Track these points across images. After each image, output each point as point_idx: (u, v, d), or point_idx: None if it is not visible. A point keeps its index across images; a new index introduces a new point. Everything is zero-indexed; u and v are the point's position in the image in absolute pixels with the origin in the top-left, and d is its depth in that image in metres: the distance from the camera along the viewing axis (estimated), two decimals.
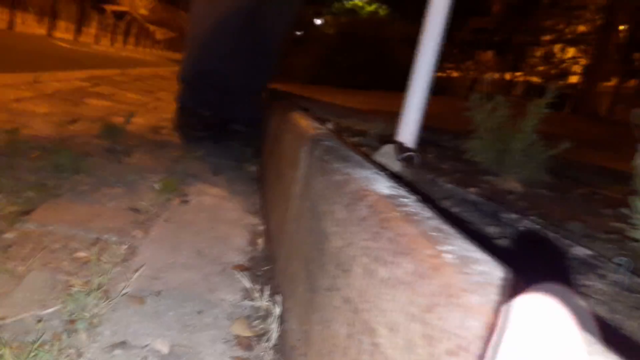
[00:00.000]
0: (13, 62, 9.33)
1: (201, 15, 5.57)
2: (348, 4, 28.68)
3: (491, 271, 0.78)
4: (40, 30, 21.29)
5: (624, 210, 2.52)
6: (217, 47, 5.50)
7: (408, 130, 5.16)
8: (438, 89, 5.29)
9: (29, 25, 22.74)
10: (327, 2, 29.27)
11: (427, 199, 1.44)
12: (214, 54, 5.53)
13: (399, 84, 5.41)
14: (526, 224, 2.45)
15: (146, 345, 1.89)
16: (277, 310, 2.13)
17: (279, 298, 2.21)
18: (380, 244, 1.07)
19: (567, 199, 4.04)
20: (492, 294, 0.70)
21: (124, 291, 2.21)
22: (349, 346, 1.11)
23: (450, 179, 3.24)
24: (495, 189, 3.46)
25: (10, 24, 17.32)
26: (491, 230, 2.47)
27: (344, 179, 1.59)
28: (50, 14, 21.13)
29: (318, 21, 30.18)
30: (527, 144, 4.89)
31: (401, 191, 1.40)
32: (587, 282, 1.84)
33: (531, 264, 2.14)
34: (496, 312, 0.64)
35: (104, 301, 2.09)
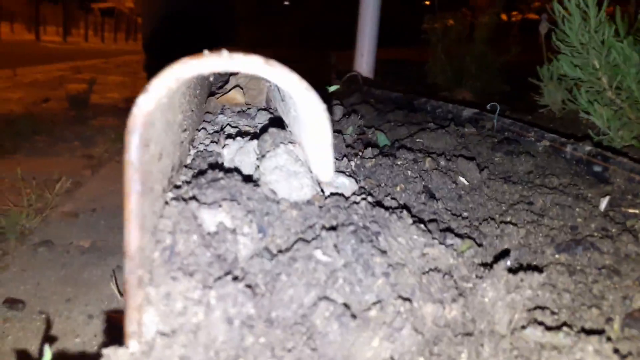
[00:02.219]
0: None
1: None
2: None
3: None
4: (29, 36, 21.70)
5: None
6: (170, 13, 5.67)
7: (364, 61, 5.28)
8: None
9: (18, 33, 23.08)
10: None
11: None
12: (168, 20, 5.70)
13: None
14: (437, 104, 2.57)
15: (70, 244, 2.10)
16: None
17: None
18: None
19: (508, 100, 4.12)
20: None
21: (58, 210, 2.41)
22: None
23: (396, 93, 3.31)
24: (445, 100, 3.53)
25: None
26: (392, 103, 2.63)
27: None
28: (37, 20, 21.45)
29: None
30: (479, 54, 4.97)
31: None
32: (465, 130, 1.98)
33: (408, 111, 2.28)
34: None
35: (38, 218, 2.29)
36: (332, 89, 1.17)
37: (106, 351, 0.61)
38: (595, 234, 1.19)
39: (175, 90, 0.64)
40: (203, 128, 1.34)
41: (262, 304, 0.74)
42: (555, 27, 2.39)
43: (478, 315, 0.87)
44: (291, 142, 0.96)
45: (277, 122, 1.24)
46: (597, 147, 1.64)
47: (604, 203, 1.36)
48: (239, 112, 1.53)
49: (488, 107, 2.08)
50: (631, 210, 1.35)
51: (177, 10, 5.73)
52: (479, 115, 2.20)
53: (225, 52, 0.59)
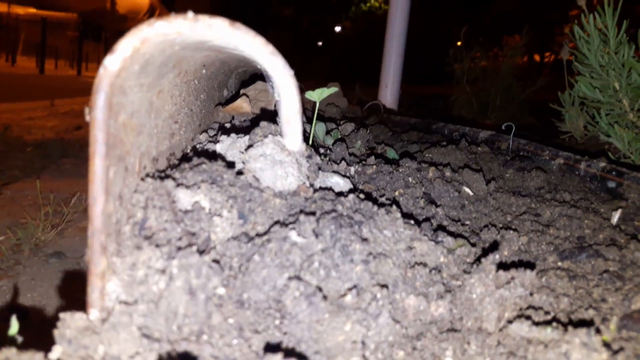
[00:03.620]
0: (36, 95, 9.94)
1: None
2: (364, 7, 29.17)
3: None
4: (72, 72, 22.69)
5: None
6: None
7: (388, 92, 5.31)
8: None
9: (61, 69, 24.11)
10: (345, 9, 29.81)
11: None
12: None
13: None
14: (455, 127, 2.55)
15: (81, 256, 2.11)
16: None
17: None
18: None
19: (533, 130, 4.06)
20: None
21: (74, 225, 2.45)
22: None
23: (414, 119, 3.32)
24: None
25: (41, 69, 18.47)
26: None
27: None
28: (79, 57, 22.44)
29: (337, 28, 30.91)
30: (504, 87, 4.94)
31: None
32: (478, 149, 1.95)
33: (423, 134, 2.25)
34: None
35: (54, 232, 2.32)
36: (323, 92, 1.16)
37: (63, 315, 0.60)
38: (603, 243, 1.13)
39: (149, 57, 0.64)
40: (205, 131, 1.35)
41: (234, 285, 0.72)
42: (576, 50, 2.37)
43: (465, 312, 0.83)
44: (281, 135, 0.95)
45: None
46: (611, 164, 1.58)
47: (616, 216, 1.30)
48: (244, 120, 1.54)
49: (503, 127, 2.04)
50: None
51: None
52: (495, 137, 2.17)
53: (190, 13, 0.60)
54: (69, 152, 4.13)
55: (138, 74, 0.66)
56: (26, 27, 27.15)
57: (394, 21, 5.22)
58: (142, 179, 0.75)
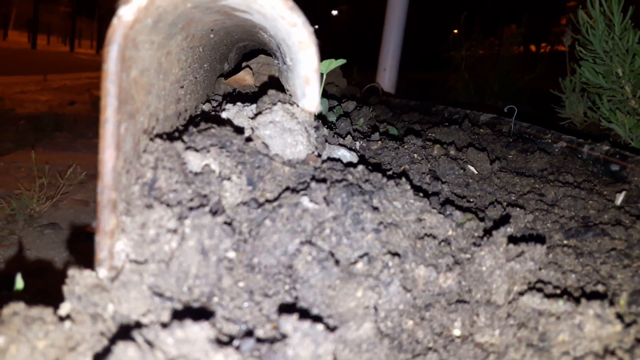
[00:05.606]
0: (29, 69, 9.81)
1: None
2: None
3: None
4: (64, 48, 22.42)
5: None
6: None
7: (386, 76, 5.28)
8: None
9: (54, 45, 23.85)
10: None
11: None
12: None
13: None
14: (455, 110, 2.54)
15: (77, 228, 2.09)
16: None
17: None
18: None
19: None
20: None
21: (69, 197, 2.42)
22: None
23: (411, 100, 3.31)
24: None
25: (33, 44, 18.26)
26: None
27: None
28: (72, 33, 22.12)
29: (334, 12, 30.76)
30: (503, 73, 4.92)
31: None
32: (480, 130, 1.94)
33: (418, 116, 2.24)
34: None
35: (48, 203, 2.30)
36: (331, 64, 1.13)
37: (72, 272, 0.58)
38: (608, 223, 1.13)
39: (162, 12, 0.62)
40: (208, 101, 1.33)
41: (244, 249, 0.71)
42: (579, 36, 2.35)
43: (474, 284, 0.82)
44: (290, 103, 0.94)
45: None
46: (615, 147, 1.58)
47: (620, 198, 1.30)
48: (248, 92, 1.52)
49: (505, 109, 2.03)
50: None
51: None
52: (497, 120, 2.16)
53: None
54: (63, 126, 4.09)
55: (150, 29, 0.64)
56: (18, 1, 26.72)
57: (395, 3, 5.16)
58: (151, 140, 0.73)
